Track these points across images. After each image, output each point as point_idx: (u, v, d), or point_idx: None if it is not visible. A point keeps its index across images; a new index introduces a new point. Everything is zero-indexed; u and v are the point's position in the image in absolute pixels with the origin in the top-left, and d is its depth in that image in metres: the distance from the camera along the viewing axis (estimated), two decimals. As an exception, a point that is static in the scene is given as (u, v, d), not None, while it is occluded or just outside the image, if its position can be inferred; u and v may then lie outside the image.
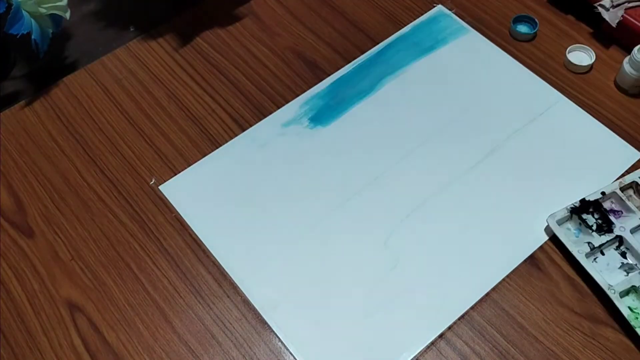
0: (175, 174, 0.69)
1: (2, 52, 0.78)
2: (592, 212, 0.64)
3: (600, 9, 0.75)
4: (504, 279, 0.61)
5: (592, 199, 0.64)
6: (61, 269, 0.63)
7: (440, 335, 0.58)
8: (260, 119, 0.72)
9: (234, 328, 0.60)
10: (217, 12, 0.83)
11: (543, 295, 0.60)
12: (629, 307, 0.58)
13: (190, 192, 0.67)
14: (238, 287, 0.62)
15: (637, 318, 0.57)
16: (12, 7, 0.68)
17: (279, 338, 0.59)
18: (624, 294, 0.59)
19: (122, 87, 0.76)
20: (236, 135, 0.71)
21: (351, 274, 0.62)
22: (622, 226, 0.62)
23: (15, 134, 0.73)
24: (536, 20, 0.78)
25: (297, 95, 0.74)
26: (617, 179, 0.66)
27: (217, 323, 0.60)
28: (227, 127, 0.72)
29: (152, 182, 0.68)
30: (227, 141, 0.71)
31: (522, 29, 0.79)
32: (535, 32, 0.78)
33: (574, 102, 0.73)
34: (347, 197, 0.67)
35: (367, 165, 0.69)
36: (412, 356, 0.57)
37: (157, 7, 0.84)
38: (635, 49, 0.71)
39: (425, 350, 0.58)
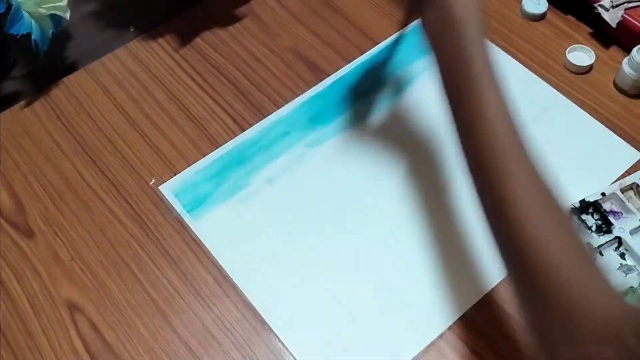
0: (175, 174, 0.69)
1: (2, 52, 0.78)
2: (591, 212, 0.64)
3: (600, 9, 0.75)
4: (504, 279, 0.61)
5: (592, 199, 0.64)
6: (61, 269, 0.63)
7: (440, 336, 0.58)
8: (260, 119, 0.72)
9: (234, 328, 0.60)
10: (217, 12, 0.83)
11: (543, 295, 0.60)
12: (628, 308, 0.58)
13: (190, 193, 0.67)
14: (238, 287, 0.62)
15: (635, 319, 0.57)
16: (12, 7, 0.68)
17: (278, 338, 0.59)
18: (622, 295, 0.59)
19: (122, 87, 0.76)
20: (236, 135, 0.71)
21: (351, 274, 0.62)
22: (621, 227, 0.62)
23: (15, 134, 0.73)
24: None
25: (297, 95, 0.74)
26: (617, 179, 0.66)
27: (217, 323, 0.60)
28: (227, 127, 0.72)
29: (152, 183, 0.68)
30: (227, 141, 0.71)
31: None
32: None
33: (574, 102, 0.73)
34: (348, 197, 0.67)
35: (367, 166, 0.69)
36: (412, 356, 0.57)
37: (157, 7, 0.84)
38: (634, 50, 0.71)
39: (425, 351, 0.58)
